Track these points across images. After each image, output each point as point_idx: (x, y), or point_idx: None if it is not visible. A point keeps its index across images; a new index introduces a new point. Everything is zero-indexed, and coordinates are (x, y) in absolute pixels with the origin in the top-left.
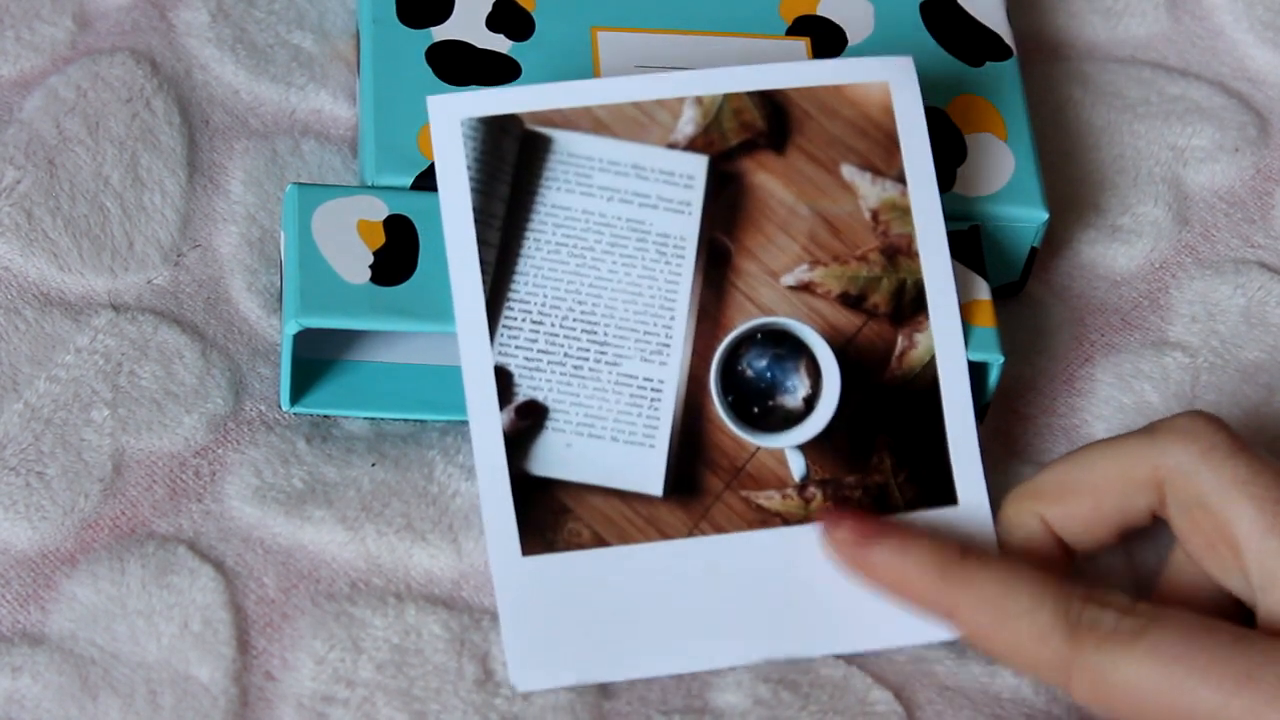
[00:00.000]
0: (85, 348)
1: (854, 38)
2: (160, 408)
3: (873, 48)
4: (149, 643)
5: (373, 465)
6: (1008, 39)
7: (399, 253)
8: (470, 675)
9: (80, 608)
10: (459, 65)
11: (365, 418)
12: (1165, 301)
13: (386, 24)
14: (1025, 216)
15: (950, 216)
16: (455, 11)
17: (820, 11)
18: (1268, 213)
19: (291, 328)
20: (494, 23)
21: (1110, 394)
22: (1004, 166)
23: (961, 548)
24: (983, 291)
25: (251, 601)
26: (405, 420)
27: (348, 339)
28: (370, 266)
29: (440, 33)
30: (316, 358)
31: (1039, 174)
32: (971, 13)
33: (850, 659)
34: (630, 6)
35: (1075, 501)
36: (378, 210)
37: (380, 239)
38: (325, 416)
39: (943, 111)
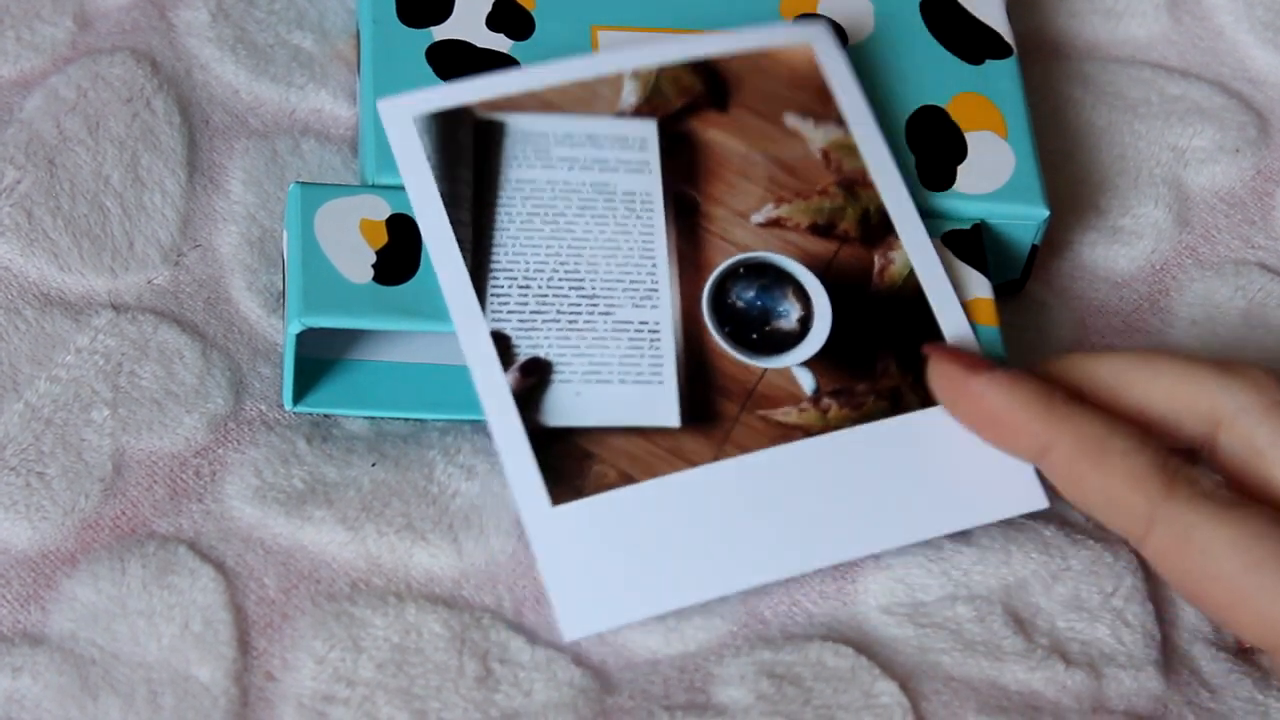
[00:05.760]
0: (85, 348)
1: (854, 36)
2: (160, 408)
3: (873, 46)
4: (149, 643)
5: (373, 465)
6: (1008, 37)
7: (402, 252)
8: (471, 673)
9: (80, 608)
10: (459, 65)
11: (365, 417)
12: (1166, 304)
13: (386, 24)
14: (1026, 214)
15: (951, 215)
16: (455, 11)
17: (820, 10)
18: (1268, 214)
19: (295, 328)
20: (494, 22)
21: None
22: (1004, 164)
23: (1067, 391)
24: (985, 290)
25: (252, 602)
26: (405, 420)
27: (350, 338)
28: (373, 266)
29: (440, 32)
30: (319, 357)
31: (1039, 171)
32: (972, 11)
33: (859, 650)
34: (630, 6)
35: (1126, 401)
36: (380, 210)
37: (383, 238)
38: (325, 416)
39: (943, 110)
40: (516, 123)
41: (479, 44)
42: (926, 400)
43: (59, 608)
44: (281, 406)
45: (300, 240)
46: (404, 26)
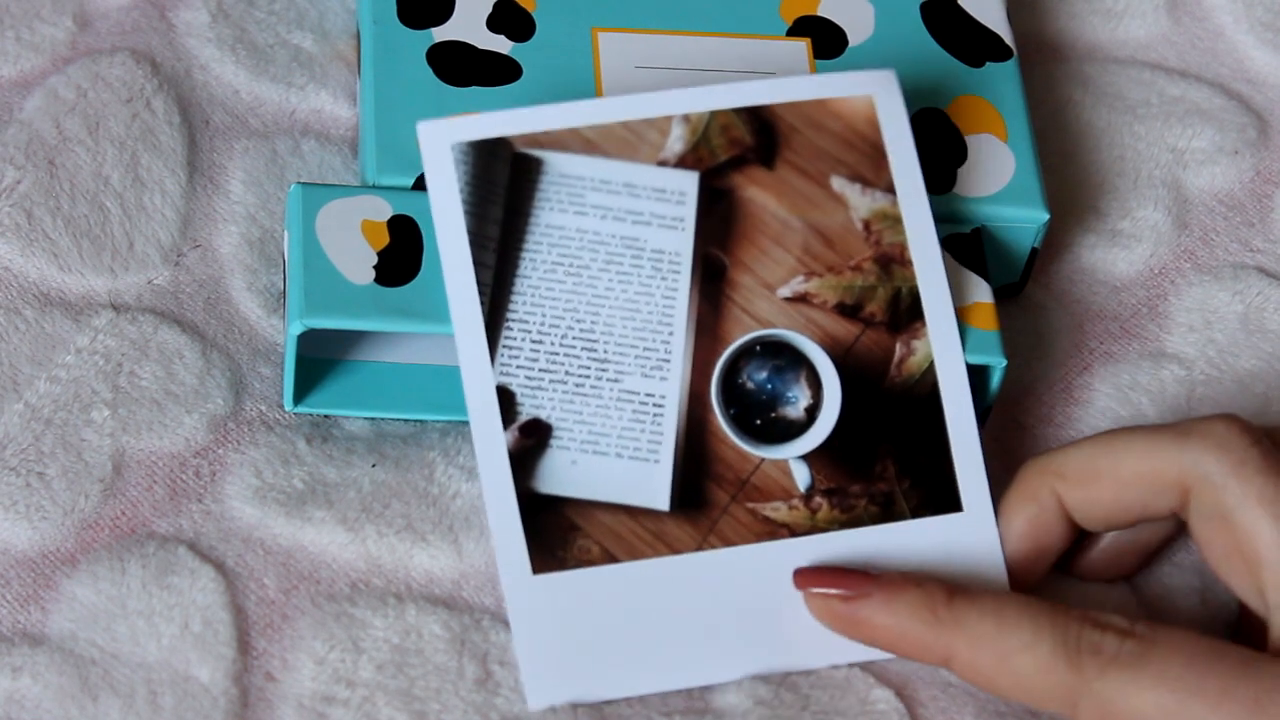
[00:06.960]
0: (85, 348)
1: (854, 38)
2: (160, 408)
3: (873, 48)
4: (149, 643)
5: (373, 466)
6: (1008, 39)
7: (403, 253)
8: (470, 675)
9: (80, 608)
10: (459, 66)
11: (366, 418)
12: (1164, 309)
13: (387, 24)
14: (1026, 217)
15: (951, 218)
16: (456, 12)
17: (821, 12)
18: (1266, 216)
19: (296, 328)
20: (494, 23)
21: (1107, 405)
22: (1004, 167)
23: (947, 587)
24: (985, 294)
25: (252, 602)
26: (405, 421)
27: (351, 339)
28: (374, 267)
29: (441, 33)
30: (319, 357)
31: (1039, 174)
32: (972, 13)
33: None
34: (631, 7)
35: (1098, 489)
36: (381, 210)
37: (384, 239)
38: (326, 417)
39: (943, 112)
40: (554, 162)
41: (479, 45)
42: (917, 509)
43: (59, 608)
44: (281, 407)
45: (301, 241)
46: (404, 27)
